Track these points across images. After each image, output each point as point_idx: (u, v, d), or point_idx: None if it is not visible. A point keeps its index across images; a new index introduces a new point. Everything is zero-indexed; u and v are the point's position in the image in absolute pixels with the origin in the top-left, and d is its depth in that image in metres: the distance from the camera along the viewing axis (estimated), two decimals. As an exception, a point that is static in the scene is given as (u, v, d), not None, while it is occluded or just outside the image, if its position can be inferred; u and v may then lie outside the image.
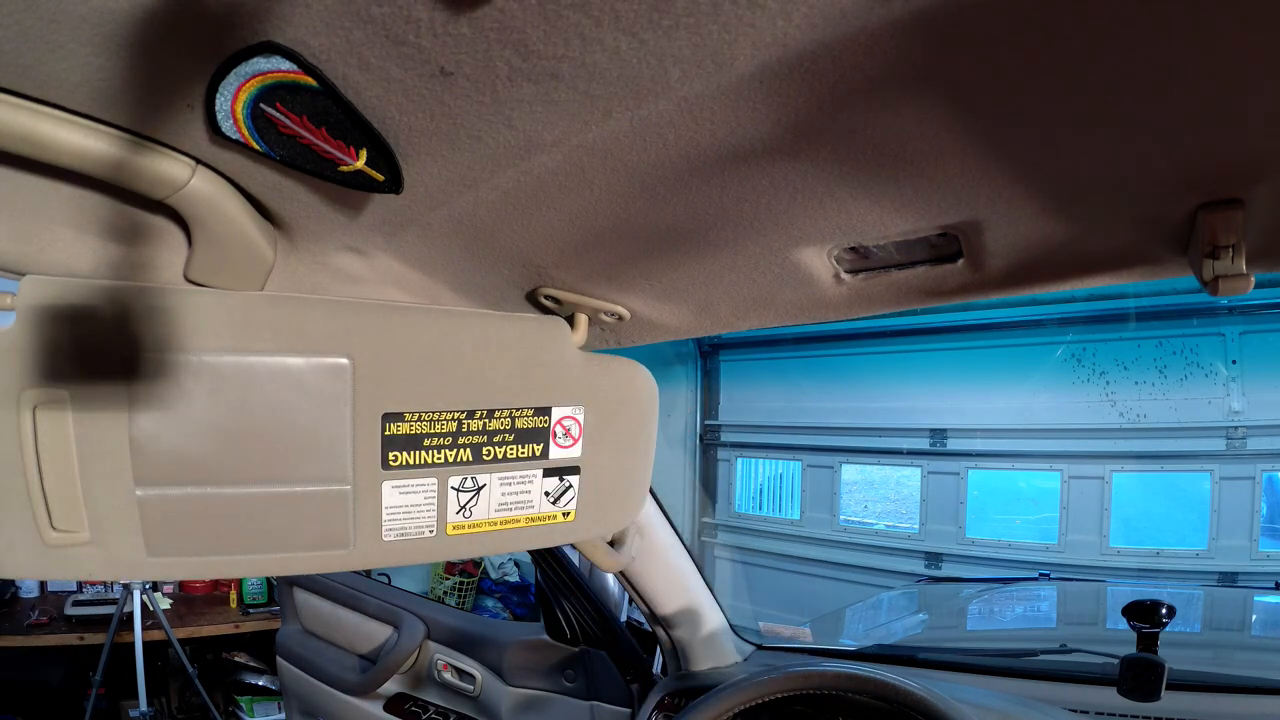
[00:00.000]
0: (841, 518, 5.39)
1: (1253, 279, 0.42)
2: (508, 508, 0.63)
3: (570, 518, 0.67)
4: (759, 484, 5.77)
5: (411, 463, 0.58)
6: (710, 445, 5.41)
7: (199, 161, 0.43)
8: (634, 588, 1.23)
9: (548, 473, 0.64)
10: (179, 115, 0.38)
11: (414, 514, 0.60)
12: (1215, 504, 4.23)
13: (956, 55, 0.32)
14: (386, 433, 0.56)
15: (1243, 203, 0.41)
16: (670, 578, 1.23)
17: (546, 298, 0.62)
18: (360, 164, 0.40)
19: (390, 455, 0.57)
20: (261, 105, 0.36)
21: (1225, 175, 0.39)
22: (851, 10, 0.29)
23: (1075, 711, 1.17)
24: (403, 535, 0.60)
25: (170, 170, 0.42)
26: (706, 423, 5.39)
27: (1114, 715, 1.20)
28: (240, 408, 0.52)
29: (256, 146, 0.39)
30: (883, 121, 0.37)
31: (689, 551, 1.27)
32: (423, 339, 0.57)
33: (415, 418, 0.57)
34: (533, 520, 0.65)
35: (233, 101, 0.36)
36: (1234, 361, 4.25)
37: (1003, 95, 0.34)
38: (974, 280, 0.53)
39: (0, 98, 0.36)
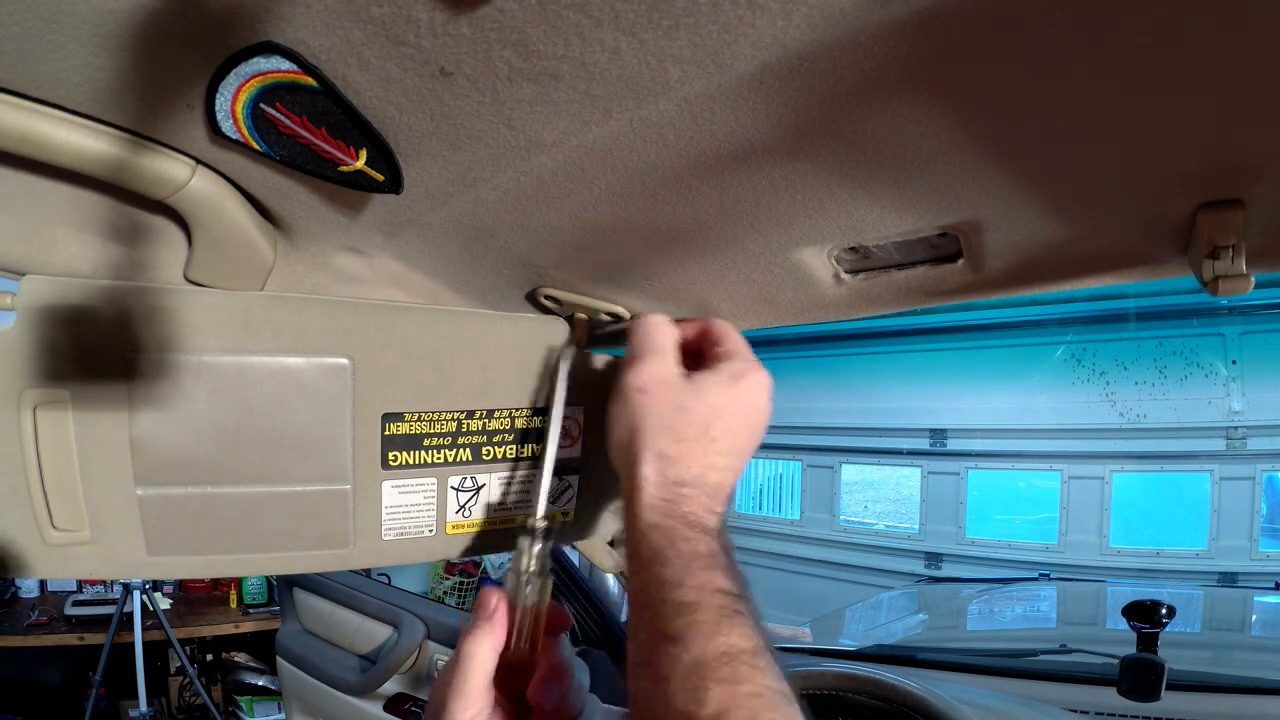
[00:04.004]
0: (841, 518, 5.40)
1: (1253, 279, 0.42)
2: (507, 508, 0.63)
3: (570, 518, 0.67)
4: (759, 484, 5.77)
5: (411, 462, 0.58)
6: (710, 445, 5.40)
7: (199, 161, 0.43)
8: (634, 588, 1.23)
9: None
10: (179, 115, 0.38)
11: (414, 513, 0.60)
12: (1215, 504, 4.23)
13: (956, 55, 0.32)
14: (386, 433, 0.56)
15: (1243, 203, 0.41)
16: (670, 578, 1.23)
17: (546, 298, 0.62)
18: (360, 164, 0.40)
19: (390, 455, 0.57)
20: (261, 105, 0.36)
21: (1225, 175, 0.39)
22: (851, 10, 0.29)
23: (1075, 711, 1.17)
24: (402, 535, 0.60)
25: (170, 170, 0.42)
26: (706, 423, 5.38)
27: (1114, 715, 1.20)
28: (240, 408, 0.52)
29: (256, 146, 0.39)
30: (883, 121, 0.37)
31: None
32: (423, 339, 0.57)
33: (415, 418, 0.57)
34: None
35: (232, 101, 0.36)
36: (1234, 361, 4.25)
37: (1003, 95, 0.34)
38: (974, 280, 0.53)
39: (0, 97, 0.36)
